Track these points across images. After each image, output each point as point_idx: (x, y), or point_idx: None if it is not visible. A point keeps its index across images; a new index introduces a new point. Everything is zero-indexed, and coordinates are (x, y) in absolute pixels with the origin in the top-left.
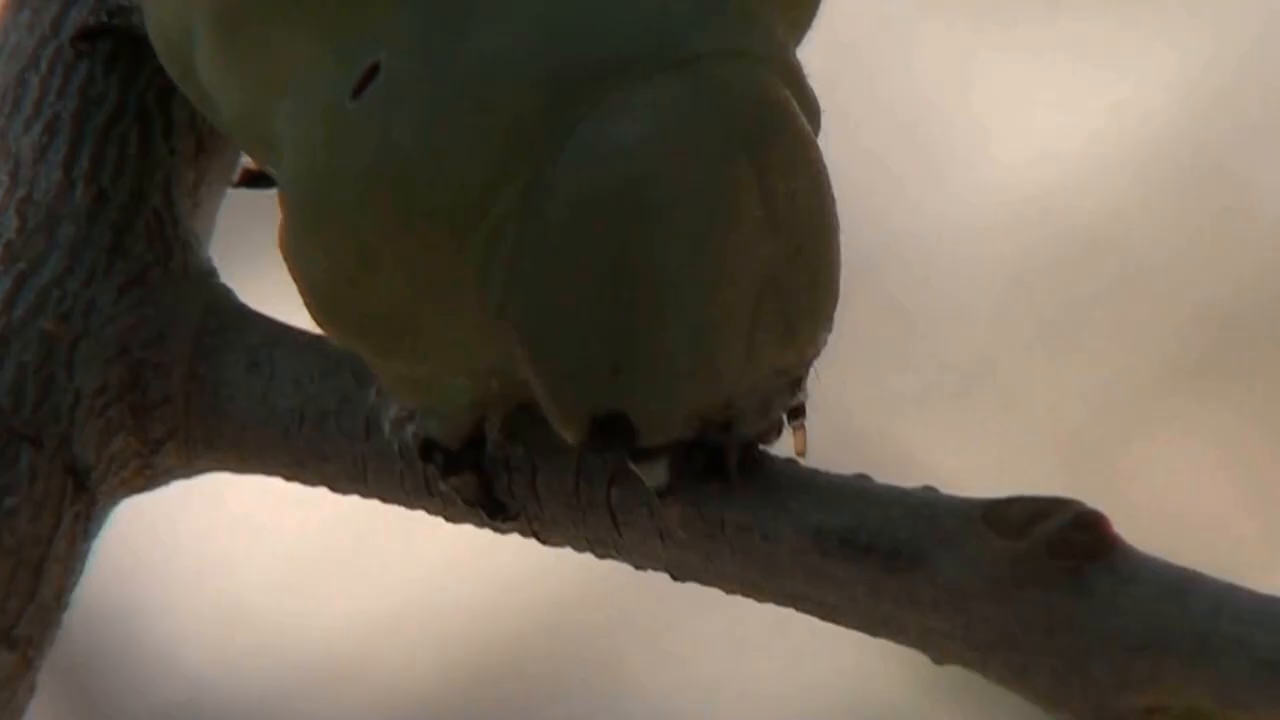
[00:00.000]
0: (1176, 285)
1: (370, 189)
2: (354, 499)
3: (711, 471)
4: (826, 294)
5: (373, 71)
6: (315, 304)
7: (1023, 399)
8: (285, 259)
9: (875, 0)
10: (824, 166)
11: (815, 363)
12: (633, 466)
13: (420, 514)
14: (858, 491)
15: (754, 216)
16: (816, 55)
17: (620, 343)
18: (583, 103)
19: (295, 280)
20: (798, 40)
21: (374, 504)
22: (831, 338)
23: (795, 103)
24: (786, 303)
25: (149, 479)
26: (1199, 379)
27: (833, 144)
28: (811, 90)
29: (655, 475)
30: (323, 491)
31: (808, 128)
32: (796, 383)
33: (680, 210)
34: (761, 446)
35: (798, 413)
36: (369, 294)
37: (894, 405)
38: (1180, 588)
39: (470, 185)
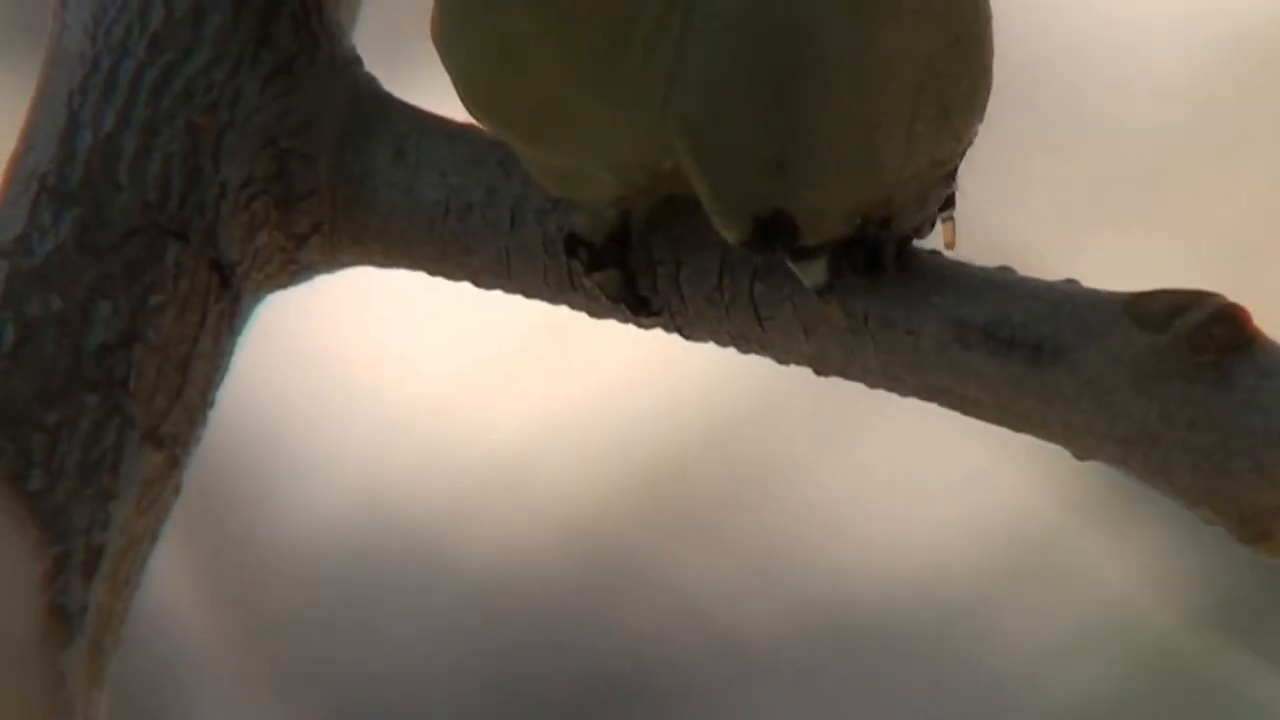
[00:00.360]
0: None
1: None
2: (521, 306)
3: (868, 267)
4: (981, 83)
5: None
6: (468, 92)
7: (1188, 211)
8: (437, 47)
9: None
10: None
11: (970, 161)
12: (791, 266)
13: (586, 323)
14: (1001, 284)
15: (915, 6)
16: None
17: (785, 138)
18: None
19: (447, 68)
20: None
21: (540, 312)
22: (990, 147)
23: None
24: (944, 93)
25: (293, 274)
26: None
27: None
28: None
29: (814, 274)
30: (489, 299)
31: None
32: (951, 174)
33: (836, 7)
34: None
35: (947, 204)
36: (523, 82)
37: (1053, 217)
38: None
39: None
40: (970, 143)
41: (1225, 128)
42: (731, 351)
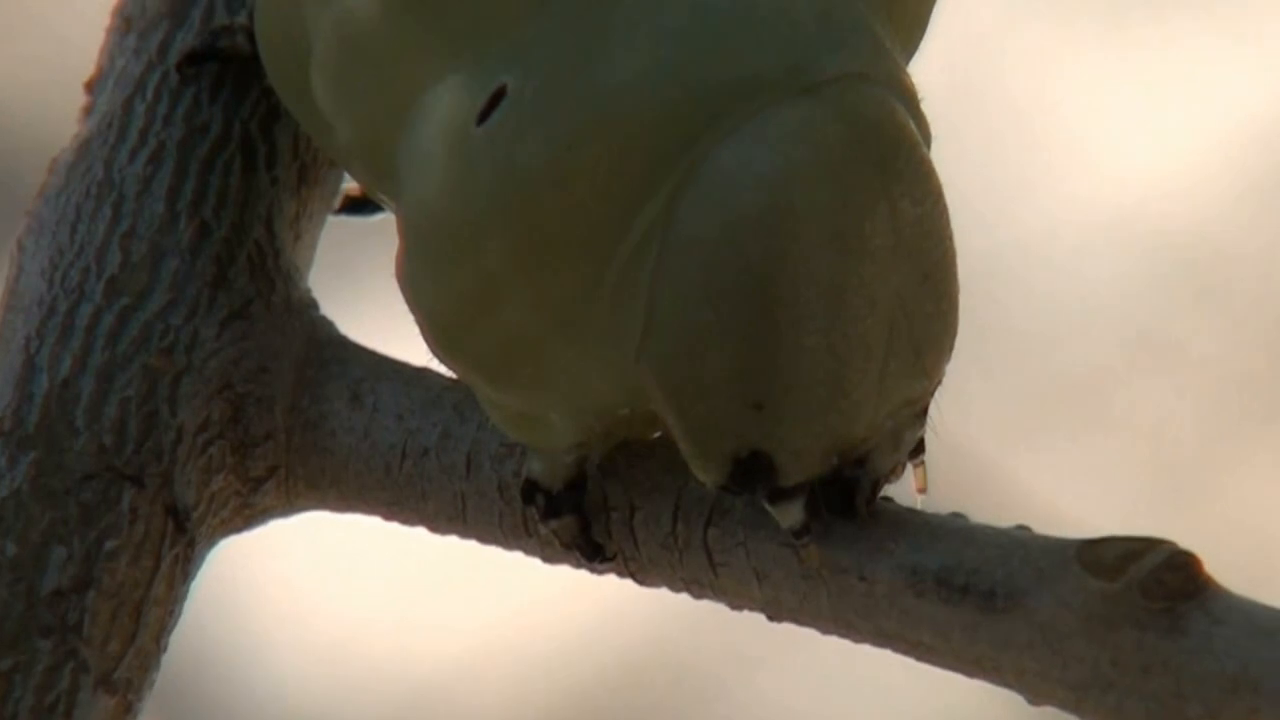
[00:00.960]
0: (1276, 299)
1: (497, 217)
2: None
3: (843, 509)
4: (950, 321)
5: (499, 96)
6: (434, 334)
7: (1120, 418)
8: (403, 288)
9: (967, 13)
10: (942, 192)
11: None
12: (768, 508)
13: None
14: (953, 531)
15: (887, 244)
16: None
17: (763, 377)
18: (717, 126)
19: (414, 311)
20: (908, 61)
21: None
22: None
23: (914, 127)
24: (915, 330)
25: (248, 519)
26: None
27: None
28: (923, 113)
29: (791, 516)
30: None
31: (929, 157)
32: (922, 413)
33: (818, 239)
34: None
35: (917, 449)
36: (494, 324)
37: (988, 425)
38: (1272, 628)
39: (601, 213)
40: (939, 382)
41: (1157, 338)
42: None
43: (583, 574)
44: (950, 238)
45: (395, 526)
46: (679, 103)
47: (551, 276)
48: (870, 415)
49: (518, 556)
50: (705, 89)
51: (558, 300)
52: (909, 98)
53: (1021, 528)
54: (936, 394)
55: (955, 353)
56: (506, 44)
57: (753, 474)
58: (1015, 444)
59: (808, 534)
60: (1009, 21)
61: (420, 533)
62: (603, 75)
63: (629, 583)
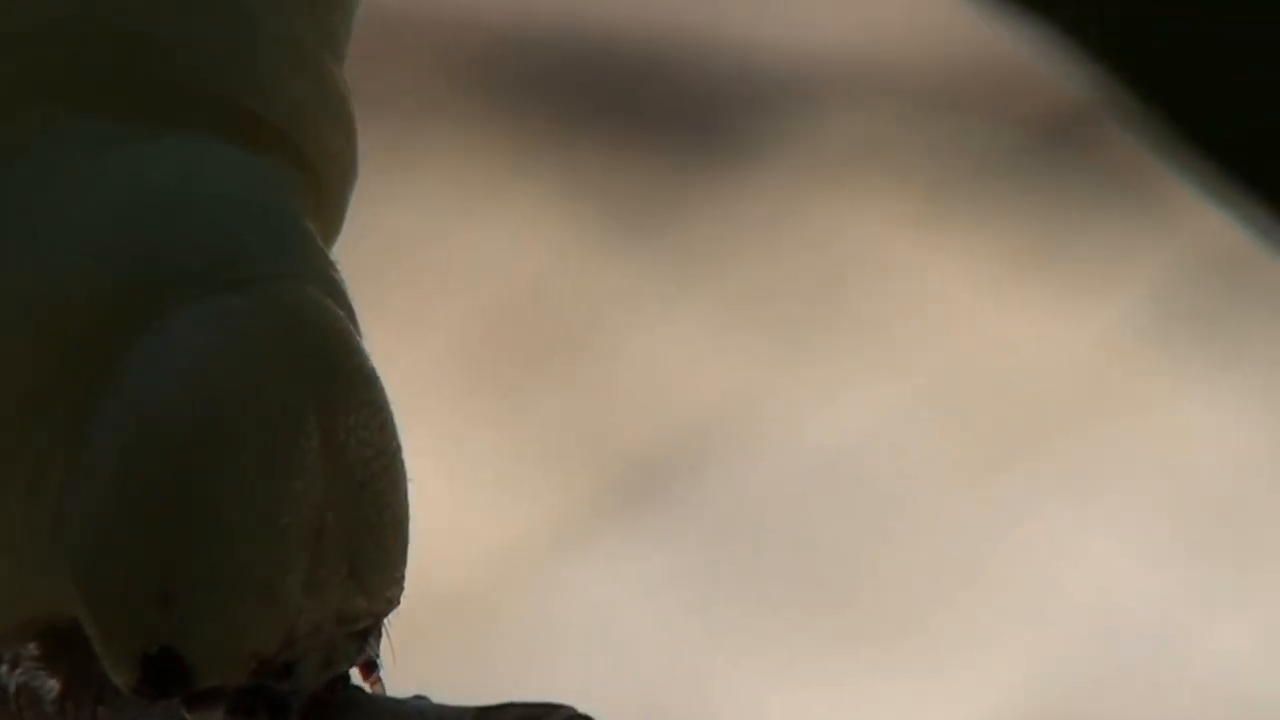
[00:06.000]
0: None
1: None
2: None
3: None
4: (394, 538)
5: None
6: None
7: None
8: None
9: (673, 643)
10: (386, 400)
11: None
12: (186, 715)
13: None
14: (354, 703)
15: (311, 445)
16: (626, 689)
17: (171, 569)
18: (131, 324)
19: None
20: (330, 245)
21: None
22: None
23: (349, 326)
24: (350, 541)
25: None
26: None
27: None
28: (350, 304)
29: None
30: None
31: (369, 360)
32: (364, 635)
33: (228, 436)
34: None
35: (372, 668)
36: None
37: None
38: None
39: (11, 405)
40: (391, 606)
41: None
42: None
43: None
44: (393, 450)
45: None
46: (96, 294)
47: None
48: (291, 619)
49: None
50: (124, 281)
51: None
52: (336, 291)
53: (419, 697)
54: None
55: None
56: None
57: (165, 674)
58: None
59: None
60: (715, 650)
61: None
62: (14, 265)
63: None
